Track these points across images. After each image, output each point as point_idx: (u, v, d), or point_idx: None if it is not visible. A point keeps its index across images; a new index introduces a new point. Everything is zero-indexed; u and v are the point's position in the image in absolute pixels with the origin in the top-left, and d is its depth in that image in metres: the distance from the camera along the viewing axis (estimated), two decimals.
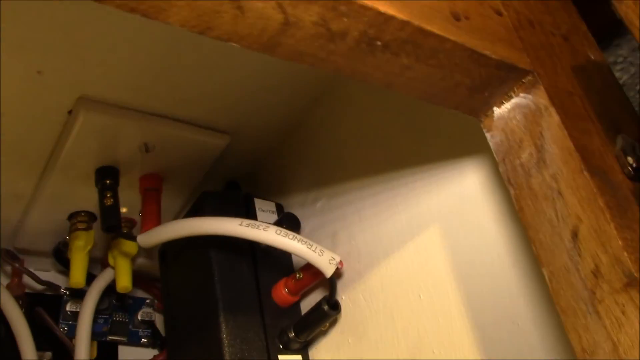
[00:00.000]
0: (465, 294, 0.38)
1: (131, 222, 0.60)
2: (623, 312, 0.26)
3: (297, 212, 0.54)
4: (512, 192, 0.31)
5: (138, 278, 0.66)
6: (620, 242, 0.26)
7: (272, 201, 0.56)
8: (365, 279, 0.46)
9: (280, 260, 0.53)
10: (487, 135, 0.33)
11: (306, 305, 0.50)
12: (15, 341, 0.57)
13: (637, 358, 0.25)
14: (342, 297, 0.48)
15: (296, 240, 0.44)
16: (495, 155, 0.32)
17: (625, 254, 0.26)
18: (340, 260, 0.45)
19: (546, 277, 0.29)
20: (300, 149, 0.56)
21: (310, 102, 0.55)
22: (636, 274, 0.26)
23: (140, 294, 0.69)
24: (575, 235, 0.28)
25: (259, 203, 0.55)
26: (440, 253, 0.40)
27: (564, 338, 0.33)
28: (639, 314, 0.25)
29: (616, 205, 0.28)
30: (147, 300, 0.68)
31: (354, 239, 0.48)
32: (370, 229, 0.47)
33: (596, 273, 0.27)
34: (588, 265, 0.27)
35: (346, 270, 0.48)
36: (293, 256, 0.54)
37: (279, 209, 0.55)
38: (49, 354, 0.59)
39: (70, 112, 0.49)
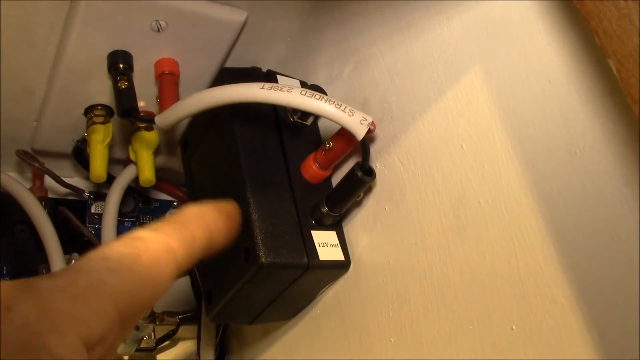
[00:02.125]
0: (513, 132, 0.35)
1: (150, 116, 0.57)
2: None
3: (325, 87, 0.50)
4: None
5: (163, 182, 0.64)
6: None
7: (296, 79, 0.52)
8: (400, 141, 0.43)
9: (308, 135, 0.49)
10: None
11: (338, 180, 0.47)
12: (40, 243, 0.56)
13: None
14: (377, 165, 0.45)
15: (323, 100, 0.41)
16: None
17: None
18: (372, 122, 0.41)
19: (614, 69, 0.25)
20: (323, 21, 0.52)
21: None
22: None
23: (166, 198, 0.67)
24: None
25: (282, 79, 0.51)
26: (483, 94, 0.36)
27: (629, 160, 0.29)
28: None
29: None
30: (175, 203, 0.66)
31: (386, 102, 0.44)
32: (403, 88, 0.43)
33: None
34: None
35: (379, 135, 0.45)
36: (321, 131, 0.51)
37: (304, 85, 0.51)
38: (76, 255, 0.57)
39: None
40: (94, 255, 0.27)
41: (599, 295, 0.30)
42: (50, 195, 0.62)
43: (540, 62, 0.33)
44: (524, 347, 0.33)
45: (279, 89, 0.41)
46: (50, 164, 0.61)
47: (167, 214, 0.66)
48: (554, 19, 0.32)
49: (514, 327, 0.34)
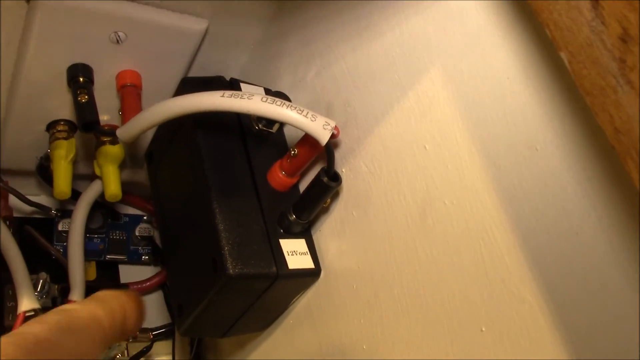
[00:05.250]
0: (475, 131, 0.34)
1: (112, 129, 0.56)
2: None
3: (288, 93, 0.50)
4: None
5: (130, 196, 0.63)
6: None
7: (260, 86, 0.51)
8: (365, 145, 0.42)
9: (274, 142, 0.49)
10: None
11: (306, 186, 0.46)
12: (4, 263, 0.54)
13: None
14: (343, 170, 0.44)
15: (284, 106, 0.40)
16: None
17: None
18: (336, 126, 0.40)
19: (565, 61, 0.25)
20: (285, 26, 0.51)
21: None
22: None
23: (135, 212, 0.66)
24: (596, 2, 0.23)
25: (245, 87, 0.50)
26: (444, 94, 0.36)
27: (593, 152, 0.28)
28: None
29: None
30: (145, 217, 0.65)
31: (349, 105, 0.44)
32: (366, 90, 0.42)
33: (624, 37, 0.22)
34: (614, 31, 0.23)
35: (344, 139, 0.44)
36: (287, 137, 0.50)
37: (268, 92, 0.51)
38: (44, 274, 0.56)
39: (28, 0, 0.45)
40: (31, 322, 0.28)
41: (565, 292, 0.30)
42: (16, 214, 0.60)
43: (498, 59, 0.33)
44: (494, 348, 0.33)
45: (240, 96, 0.41)
46: (14, 182, 0.59)
47: (137, 227, 0.64)
48: (509, 16, 0.32)
49: (483, 329, 0.33)
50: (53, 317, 0.29)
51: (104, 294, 0.33)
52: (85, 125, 0.48)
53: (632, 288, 0.27)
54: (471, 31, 0.34)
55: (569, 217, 0.29)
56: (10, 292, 0.54)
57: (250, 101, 0.40)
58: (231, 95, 0.41)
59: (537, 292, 0.31)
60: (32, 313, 0.52)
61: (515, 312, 0.32)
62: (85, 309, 0.30)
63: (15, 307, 0.53)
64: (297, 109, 0.40)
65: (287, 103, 0.40)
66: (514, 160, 0.32)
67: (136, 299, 0.35)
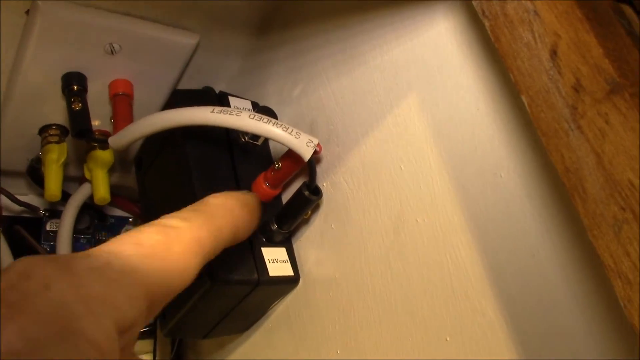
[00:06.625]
0: (446, 155, 0.37)
1: (105, 135, 0.58)
2: (606, 122, 0.24)
3: (275, 108, 0.52)
4: (487, 24, 0.30)
5: (118, 198, 0.65)
6: (601, 50, 0.25)
7: (248, 99, 0.54)
8: (345, 162, 0.45)
9: (259, 154, 0.51)
10: None
11: (289, 197, 0.49)
12: None
13: (623, 165, 0.24)
14: (324, 184, 0.47)
15: (271, 123, 0.43)
16: None
17: (606, 61, 0.25)
18: (319, 143, 0.43)
19: (526, 104, 0.28)
20: (275, 41, 0.54)
21: None
22: (619, 79, 0.24)
23: (122, 214, 0.68)
24: (554, 53, 0.26)
25: (234, 101, 0.53)
26: (419, 119, 0.39)
27: (548, 183, 0.31)
28: (623, 120, 0.24)
29: (596, 18, 0.26)
30: (130, 219, 0.67)
31: (332, 123, 0.46)
32: (348, 110, 0.45)
33: (577, 87, 0.25)
34: (568, 81, 0.26)
35: (326, 155, 0.47)
36: (272, 150, 0.52)
37: (256, 106, 0.53)
38: None
39: (27, 12, 0.47)
40: (128, 239, 0.27)
41: (522, 308, 0.33)
42: (5, 213, 0.62)
43: (470, 91, 0.36)
44: (457, 357, 0.36)
45: (229, 112, 0.43)
46: (4, 182, 0.61)
47: (124, 230, 0.67)
48: (481, 53, 0.35)
49: (448, 338, 0.36)
50: (151, 237, 0.27)
51: (217, 205, 0.32)
52: (78, 132, 0.50)
53: (579, 304, 0.30)
54: (446, 63, 0.37)
55: (527, 239, 0.32)
56: None
57: (239, 117, 0.43)
58: (220, 111, 0.43)
59: (497, 307, 0.34)
60: None
61: (477, 325, 0.35)
62: (190, 232, 0.29)
63: None
64: (283, 126, 0.43)
65: (274, 120, 0.43)
66: (481, 184, 0.35)
67: (249, 208, 0.33)
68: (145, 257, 0.26)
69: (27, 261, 0.23)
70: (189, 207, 0.33)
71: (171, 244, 0.28)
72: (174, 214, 0.31)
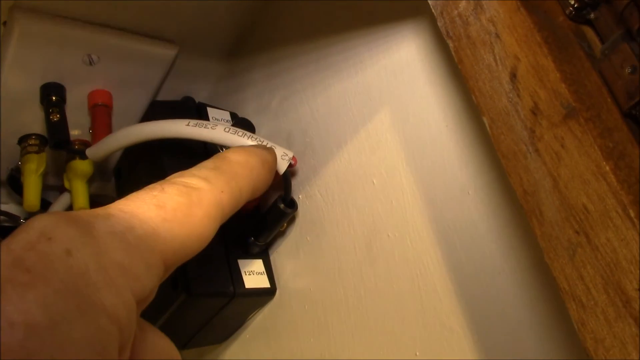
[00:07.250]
0: (417, 172, 0.37)
1: (85, 144, 0.58)
2: (562, 146, 0.25)
3: (253, 119, 0.52)
4: (451, 45, 0.30)
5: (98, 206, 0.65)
6: (558, 74, 0.25)
7: (226, 110, 0.54)
8: (320, 175, 0.45)
9: None
10: None
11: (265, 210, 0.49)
12: None
13: (577, 189, 0.24)
14: (299, 197, 0.47)
15: (245, 137, 0.43)
16: (433, 10, 0.31)
17: (563, 85, 0.25)
18: (294, 156, 0.43)
19: (487, 125, 0.28)
20: (253, 53, 0.54)
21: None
22: (574, 104, 0.24)
23: None
24: (514, 76, 0.27)
25: (212, 112, 0.53)
26: (391, 134, 0.39)
27: (511, 204, 0.32)
28: (578, 145, 0.24)
29: (555, 41, 0.26)
30: None
31: (308, 136, 0.47)
32: (323, 123, 0.45)
33: (535, 111, 0.26)
34: (527, 104, 0.26)
35: (301, 168, 0.47)
36: None
37: (234, 117, 0.53)
38: None
39: (4, 23, 0.47)
40: (150, 199, 0.26)
41: (488, 324, 0.33)
42: None
43: (439, 108, 0.36)
44: None
45: (204, 126, 0.43)
46: None
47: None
48: (448, 73, 0.35)
49: (417, 353, 0.37)
50: (173, 199, 0.26)
51: (239, 163, 0.31)
52: (56, 143, 0.50)
53: (540, 324, 0.30)
54: (416, 80, 0.37)
55: (493, 257, 0.33)
56: None
57: (214, 131, 0.43)
58: (196, 124, 0.44)
59: (464, 322, 0.34)
60: None
61: (445, 340, 0.35)
62: (212, 194, 0.28)
63: None
64: (257, 139, 0.43)
65: (249, 134, 0.43)
66: (450, 201, 0.35)
67: (268, 166, 0.33)
68: (166, 222, 0.25)
69: (47, 219, 0.21)
70: (209, 163, 0.31)
71: (193, 207, 0.27)
72: (195, 170, 0.30)
